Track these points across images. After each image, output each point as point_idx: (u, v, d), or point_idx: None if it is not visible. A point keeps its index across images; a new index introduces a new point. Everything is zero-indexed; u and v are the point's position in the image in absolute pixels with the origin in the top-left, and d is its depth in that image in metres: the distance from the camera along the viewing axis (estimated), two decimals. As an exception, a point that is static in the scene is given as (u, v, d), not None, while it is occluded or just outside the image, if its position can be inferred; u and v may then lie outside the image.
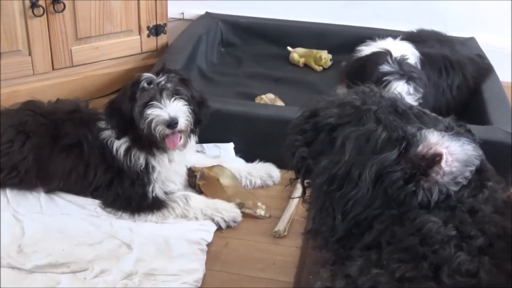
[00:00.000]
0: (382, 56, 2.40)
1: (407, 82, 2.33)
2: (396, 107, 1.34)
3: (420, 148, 1.25)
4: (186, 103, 2.01)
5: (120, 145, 2.06)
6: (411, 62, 2.44)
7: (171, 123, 1.96)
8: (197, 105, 2.06)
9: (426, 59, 2.55)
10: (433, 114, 1.38)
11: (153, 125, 1.95)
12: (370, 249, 1.26)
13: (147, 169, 2.08)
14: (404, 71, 2.34)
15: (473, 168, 1.25)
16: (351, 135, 1.31)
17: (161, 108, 1.95)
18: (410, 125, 1.29)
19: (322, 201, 1.36)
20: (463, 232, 1.19)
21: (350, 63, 2.53)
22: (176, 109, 1.97)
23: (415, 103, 2.24)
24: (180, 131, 2.00)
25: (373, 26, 3.22)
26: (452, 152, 1.23)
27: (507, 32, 3.21)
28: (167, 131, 1.97)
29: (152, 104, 1.96)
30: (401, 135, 1.27)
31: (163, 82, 1.98)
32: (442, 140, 1.24)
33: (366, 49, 2.50)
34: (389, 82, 2.32)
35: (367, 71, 2.37)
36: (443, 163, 1.22)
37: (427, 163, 1.24)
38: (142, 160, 2.06)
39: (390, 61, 2.36)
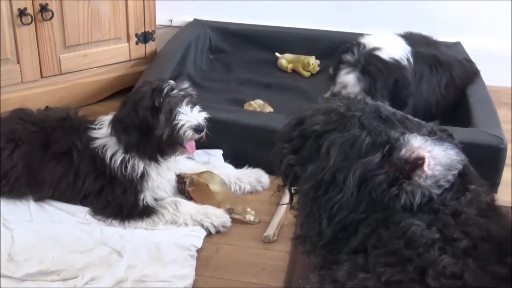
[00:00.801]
0: (351, 46, 2.49)
1: (360, 72, 2.40)
2: (379, 113, 1.37)
3: (403, 152, 1.27)
4: (201, 109, 2.08)
5: (114, 154, 2.06)
6: (397, 55, 2.47)
7: (201, 129, 2.03)
8: None
9: (418, 55, 2.59)
10: (416, 119, 1.40)
11: (182, 131, 2.00)
12: (357, 253, 1.28)
13: (142, 178, 2.08)
14: (359, 63, 2.41)
15: (455, 172, 1.27)
16: (336, 141, 1.33)
17: (186, 115, 2.01)
18: (394, 130, 1.31)
19: (309, 207, 1.37)
20: (446, 235, 1.21)
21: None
22: (200, 115, 2.05)
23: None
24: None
25: (361, 32, 3.24)
26: (435, 156, 1.25)
27: (494, 36, 3.26)
28: (196, 136, 2.03)
29: (178, 111, 2.00)
30: (385, 140, 1.29)
31: (189, 90, 2.05)
32: (425, 144, 1.26)
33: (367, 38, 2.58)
34: (342, 68, 2.44)
35: (335, 59, 2.52)
36: (425, 167, 1.24)
37: (410, 166, 1.26)
38: (141, 169, 2.07)
39: (355, 51, 2.44)
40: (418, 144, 1.26)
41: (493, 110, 2.52)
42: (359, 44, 2.48)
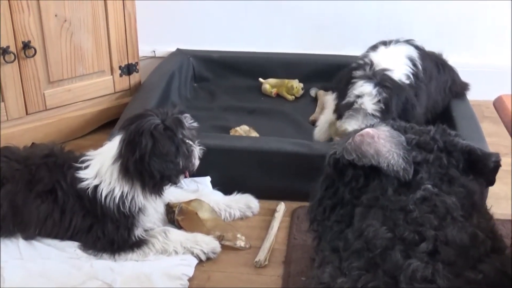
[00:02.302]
0: (362, 65, 2.53)
1: (375, 85, 2.41)
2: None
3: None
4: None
5: (110, 192, 2.03)
6: (397, 74, 2.50)
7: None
8: None
9: (425, 56, 2.65)
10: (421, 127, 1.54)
11: (194, 160, 2.09)
12: (334, 252, 1.35)
13: (139, 212, 2.07)
14: (375, 77, 2.43)
15: (383, 161, 1.37)
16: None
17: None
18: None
19: None
20: (396, 234, 1.24)
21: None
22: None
23: (374, 106, 2.38)
24: None
25: (342, 54, 3.28)
26: (378, 136, 1.41)
27: (475, 50, 3.32)
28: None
29: (193, 142, 2.09)
30: None
31: (195, 124, 2.10)
32: (382, 129, 1.45)
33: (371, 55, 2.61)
34: (356, 82, 2.44)
35: (344, 77, 2.53)
36: (356, 136, 1.44)
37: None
38: (141, 203, 2.06)
39: (367, 69, 2.48)
40: (379, 127, 1.45)
41: (476, 123, 2.55)
42: (371, 63, 2.51)
